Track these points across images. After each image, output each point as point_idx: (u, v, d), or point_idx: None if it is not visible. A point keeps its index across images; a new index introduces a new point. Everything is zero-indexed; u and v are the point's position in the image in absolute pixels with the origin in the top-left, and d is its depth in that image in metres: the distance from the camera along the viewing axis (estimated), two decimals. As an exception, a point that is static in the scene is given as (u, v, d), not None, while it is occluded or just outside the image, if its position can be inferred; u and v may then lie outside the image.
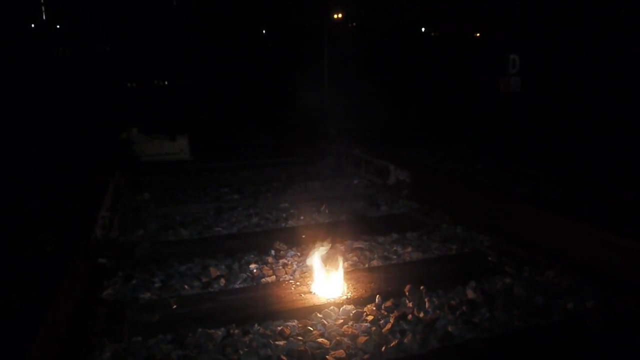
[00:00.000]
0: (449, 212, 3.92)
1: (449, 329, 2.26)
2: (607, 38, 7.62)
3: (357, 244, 3.38)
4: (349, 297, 2.60)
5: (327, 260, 2.75)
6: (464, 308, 2.43)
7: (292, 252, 3.23)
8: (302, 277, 2.87)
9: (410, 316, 2.38)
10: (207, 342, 2.18)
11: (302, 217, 4.04)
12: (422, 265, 3.06)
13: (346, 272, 2.75)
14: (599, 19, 7.90)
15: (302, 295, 2.64)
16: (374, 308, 2.48)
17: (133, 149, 6.44)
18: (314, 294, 2.65)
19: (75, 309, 2.38)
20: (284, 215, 4.12)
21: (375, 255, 3.19)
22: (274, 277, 2.90)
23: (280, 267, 3.02)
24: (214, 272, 2.93)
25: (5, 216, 3.93)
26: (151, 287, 2.77)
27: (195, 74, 13.67)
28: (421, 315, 2.38)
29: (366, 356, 2.10)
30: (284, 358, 2.07)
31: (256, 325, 2.31)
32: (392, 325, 2.30)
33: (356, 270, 2.94)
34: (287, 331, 2.26)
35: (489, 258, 3.09)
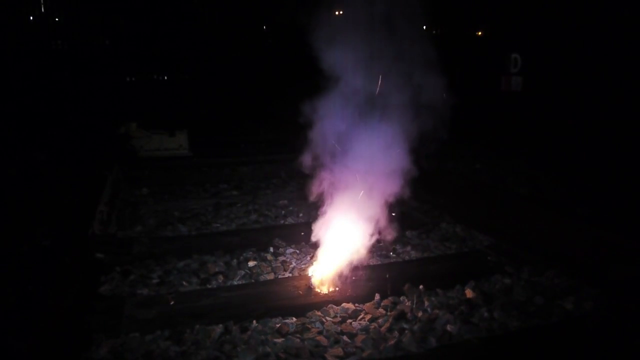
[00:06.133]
0: (449, 211, 3.91)
1: (448, 328, 2.25)
2: (609, 38, 7.60)
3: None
4: (347, 295, 2.59)
5: (326, 257, 2.74)
6: (462, 308, 2.42)
7: (291, 249, 3.22)
8: (300, 274, 2.86)
9: (409, 315, 2.37)
10: (205, 338, 2.17)
11: (301, 215, 4.03)
12: (421, 264, 3.06)
13: (345, 270, 2.74)
14: (601, 19, 7.89)
15: (301, 293, 2.63)
16: (373, 306, 2.47)
17: (132, 144, 6.41)
18: (313, 291, 2.64)
19: (73, 304, 2.37)
20: (283, 212, 4.11)
21: (374, 254, 3.18)
22: (272, 274, 2.89)
23: (279, 264, 3.01)
24: (212, 268, 2.92)
25: (2, 210, 3.91)
26: (149, 282, 2.76)
27: (195, 69, 13.63)
28: (420, 314, 2.37)
29: (364, 354, 2.09)
30: (282, 356, 2.06)
31: (254, 322, 2.30)
32: (391, 324, 2.30)
33: (355, 268, 2.92)
34: (286, 328, 2.25)
35: (489, 258, 3.09)
